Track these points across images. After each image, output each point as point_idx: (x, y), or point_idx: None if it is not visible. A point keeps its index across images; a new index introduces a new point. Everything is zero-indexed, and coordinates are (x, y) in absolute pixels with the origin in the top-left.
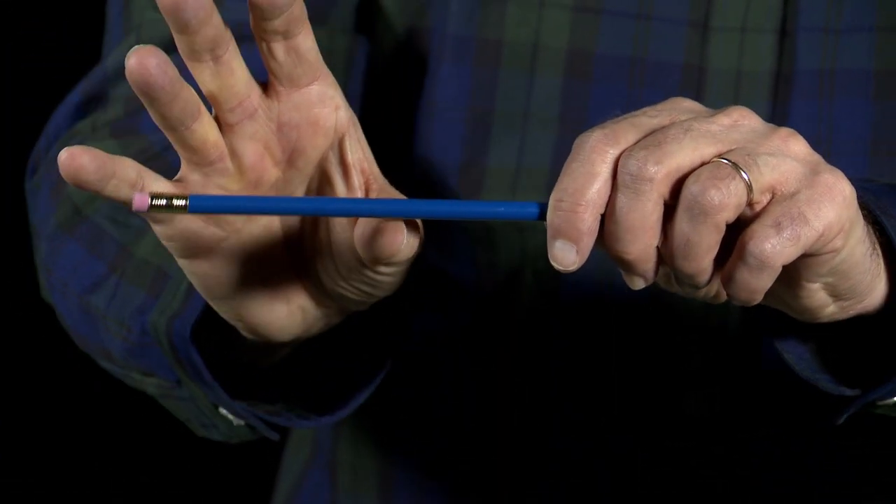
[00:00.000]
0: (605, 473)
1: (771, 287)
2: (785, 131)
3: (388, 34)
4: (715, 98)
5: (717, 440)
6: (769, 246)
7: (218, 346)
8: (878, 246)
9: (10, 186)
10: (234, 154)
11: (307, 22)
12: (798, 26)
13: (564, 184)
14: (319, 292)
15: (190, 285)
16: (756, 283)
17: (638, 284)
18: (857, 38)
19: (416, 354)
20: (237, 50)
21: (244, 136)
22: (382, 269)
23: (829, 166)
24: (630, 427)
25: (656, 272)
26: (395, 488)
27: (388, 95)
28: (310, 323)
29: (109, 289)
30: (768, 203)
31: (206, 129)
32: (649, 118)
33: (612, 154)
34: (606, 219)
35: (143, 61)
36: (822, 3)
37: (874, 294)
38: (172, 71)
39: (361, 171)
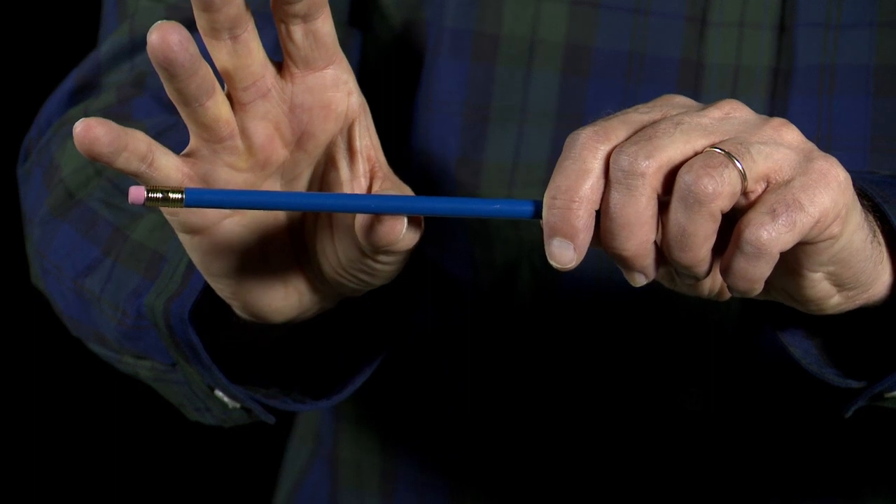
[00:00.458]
0: (605, 469)
1: (774, 279)
2: (777, 121)
3: (384, 27)
4: (713, 93)
5: (717, 436)
6: (765, 233)
7: (213, 329)
8: (879, 234)
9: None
10: (244, 133)
11: (327, 6)
12: (797, 22)
13: (557, 182)
14: (317, 277)
15: (187, 267)
16: (754, 272)
17: (639, 281)
18: (856, 34)
19: (415, 351)
20: (255, 30)
21: (256, 115)
22: (381, 258)
23: (822, 153)
24: (630, 423)
25: (657, 268)
26: (397, 484)
27: (384, 88)
28: (305, 306)
29: (104, 272)
30: (763, 191)
31: (219, 106)
32: (640, 114)
33: (603, 150)
34: (602, 216)
35: (165, 37)
36: None
37: (879, 283)
38: (193, 48)
39: (368, 159)
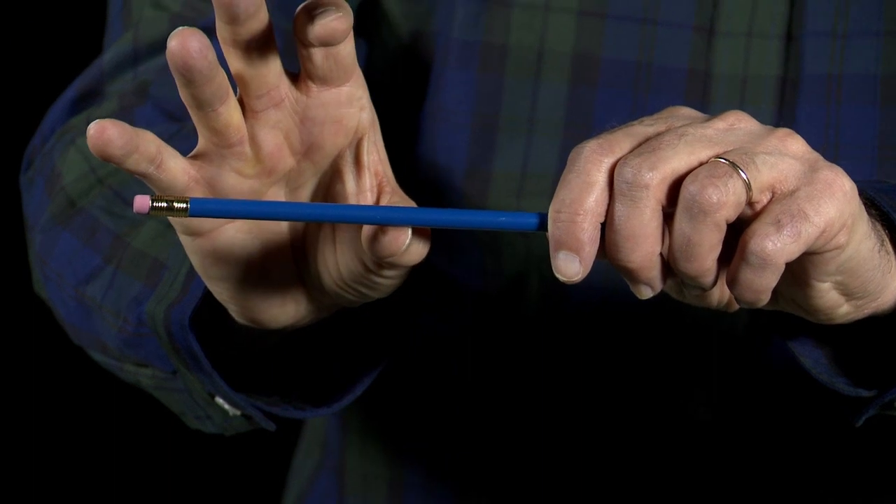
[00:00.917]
0: (614, 479)
1: (782, 290)
2: (782, 131)
3: (392, 38)
4: (721, 103)
5: (726, 445)
6: (770, 244)
7: (213, 336)
8: (888, 243)
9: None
10: (253, 140)
11: (351, 30)
12: (804, 31)
13: (562, 195)
14: (315, 288)
15: (187, 274)
16: (760, 283)
17: (645, 293)
18: (863, 43)
19: (423, 360)
20: (275, 40)
21: (267, 123)
22: (385, 271)
23: (827, 163)
24: (638, 433)
25: (663, 280)
26: (404, 494)
27: (391, 98)
28: (301, 314)
29: (105, 279)
30: (768, 202)
31: (231, 112)
32: (645, 126)
33: (607, 163)
34: (606, 228)
35: (185, 44)
36: (828, 8)
37: (888, 292)
38: (212, 55)
39: (375, 174)
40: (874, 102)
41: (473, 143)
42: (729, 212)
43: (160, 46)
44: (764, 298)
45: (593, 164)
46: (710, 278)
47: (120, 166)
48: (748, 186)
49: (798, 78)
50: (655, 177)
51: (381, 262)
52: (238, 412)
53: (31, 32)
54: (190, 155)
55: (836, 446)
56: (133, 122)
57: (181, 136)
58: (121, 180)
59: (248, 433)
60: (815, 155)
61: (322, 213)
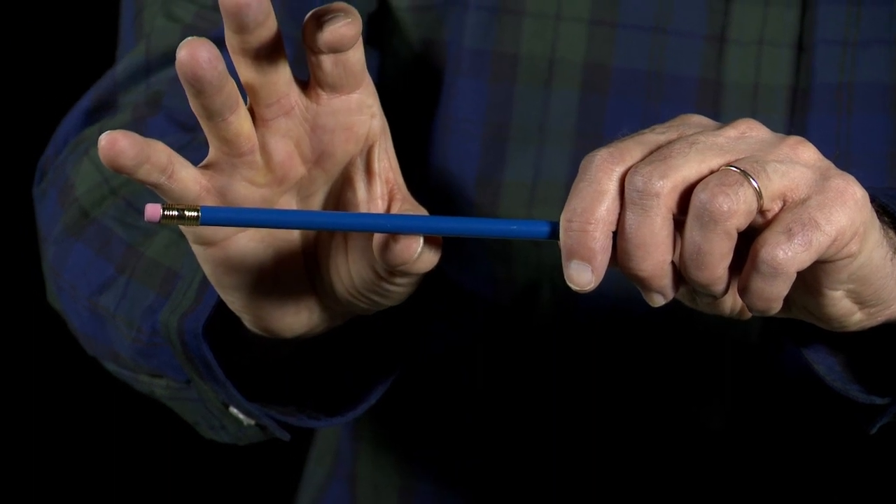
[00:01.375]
0: (625, 487)
1: (795, 298)
2: (793, 139)
3: (403, 47)
4: (732, 112)
5: (739, 454)
6: (781, 253)
7: (227, 346)
8: None
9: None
10: (264, 148)
11: (360, 36)
12: (815, 40)
13: (573, 204)
14: (328, 296)
15: (201, 284)
16: (771, 292)
17: (657, 301)
18: (874, 52)
19: (435, 368)
20: (284, 49)
21: (277, 132)
22: (396, 279)
23: (839, 171)
24: (651, 440)
25: (675, 288)
26: (415, 502)
27: (402, 107)
28: (314, 323)
29: (119, 289)
30: (780, 210)
31: (241, 121)
32: (656, 135)
33: (618, 172)
34: (618, 237)
35: (194, 54)
36: (839, 17)
37: None
38: (221, 65)
39: (386, 181)
40: (885, 111)
41: (484, 152)
42: (740, 220)
43: (172, 57)
44: (775, 307)
45: (604, 173)
46: (721, 286)
47: (131, 177)
48: (759, 195)
49: (809, 87)
50: (666, 185)
51: (392, 271)
52: (252, 422)
53: (44, 43)
54: (201, 165)
55: (848, 454)
56: (145, 133)
57: (193, 147)
58: (133, 191)
59: (259, 441)
60: (827, 163)
61: (333, 221)
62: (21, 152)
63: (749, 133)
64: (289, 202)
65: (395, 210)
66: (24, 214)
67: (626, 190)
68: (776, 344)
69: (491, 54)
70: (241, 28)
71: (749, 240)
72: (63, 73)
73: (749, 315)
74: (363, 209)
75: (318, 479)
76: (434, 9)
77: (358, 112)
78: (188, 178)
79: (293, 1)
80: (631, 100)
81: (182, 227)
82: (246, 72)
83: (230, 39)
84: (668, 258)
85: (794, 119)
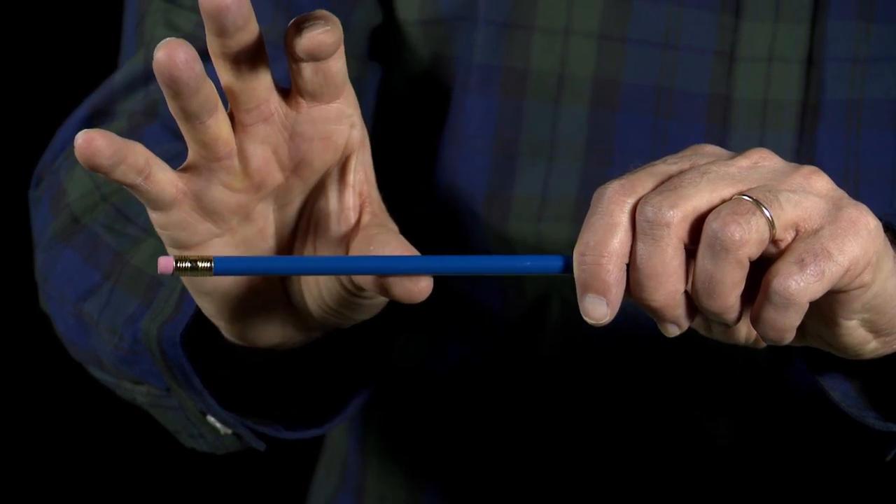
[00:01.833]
0: (631, 500)
1: (810, 327)
2: (807, 169)
3: (411, 62)
4: (741, 128)
5: (747, 470)
6: (793, 283)
7: (206, 355)
8: None
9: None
10: (242, 154)
11: (341, 46)
12: (825, 56)
13: (586, 238)
14: (301, 309)
15: (181, 293)
16: (784, 322)
17: (672, 332)
18: (884, 68)
19: (444, 382)
20: (266, 54)
21: (256, 138)
22: (367, 294)
23: (852, 201)
24: (659, 456)
25: (690, 318)
26: None
27: (411, 122)
28: (289, 335)
29: (103, 296)
30: (792, 240)
31: (219, 125)
32: (668, 165)
33: (629, 203)
34: (630, 267)
35: (171, 55)
36: (849, 33)
37: None
38: (199, 67)
39: (359, 193)
40: (894, 127)
41: (494, 168)
42: (752, 249)
43: None
44: (788, 337)
45: (616, 205)
46: (733, 315)
47: (108, 177)
48: (771, 224)
49: (819, 103)
50: (676, 215)
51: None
52: (229, 431)
53: (46, 48)
54: (179, 168)
55: (855, 468)
56: (141, 141)
57: (187, 156)
58: (124, 198)
59: (268, 450)
60: (840, 192)
61: (349, 266)
62: (23, 155)
63: (762, 162)
64: (266, 210)
65: (364, 222)
66: (24, 218)
67: (637, 221)
68: (785, 359)
69: (500, 70)
70: (221, 31)
71: (763, 268)
72: (67, 77)
73: (764, 344)
74: (334, 220)
75: (328, 490)
76: (443, 24)
77: (337, 122)
78: (165, 181)
79: (292, 11)
80: (640, 115)
81: (158, 231)
82: (226, 76)
83: (210, 42)
84: (681, 288)
85: (803, 135)
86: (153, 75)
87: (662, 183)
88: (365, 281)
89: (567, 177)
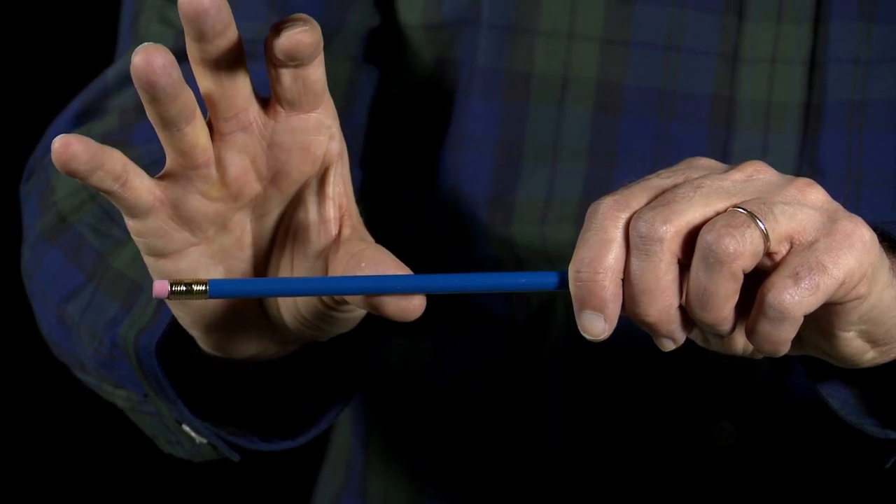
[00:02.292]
0: (632, 502)
1: (807, 337)
2: (802, 181)
3: (414, 66)
4: (745, 130)
5: (747, 472)
6: (787, 297)
7: (183, 364)
8: None
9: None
10: (219, 162)
11: (321, 54)
12: (827, 57)
13: (581, 254)
14: (277, 321)
15: (159, 301)
16: (778, 335)
17: (667, 346)
18: (886, 69)
19: (446, 385)
20: (245, 62)
21: (234, 147)
22: (344, 308)
23: (847, 213)
24: (659, 457)
25: (685, 332)
26: None
27: (414, 125)
28: (264, 346)
29: (85, 299)
30: (787, 253)
31: (197, 133)
32: (662, 179)
33: (623, 218)
34: (624, 283)
35: (149, 60)
36: (851, 34)
37: None
38: (176, 73)
39: (339, 206)
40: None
41: (497, 171)
42: (746, 262)
43: None
44: (783, 349)
45: (610, 221)
46: (727, 327)
47: (84, 182)
48: (766, 237)
49: (822, 104)
50: (669, 230)
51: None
52: (205, 440)
53: (43, 43)
54: (157, 176)
55: (857, 477)
56: (131, 139)
57: None
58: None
59: (211, 459)
60: (835, 205)
61: (343, 286)
62: (18, 149)
63: (756, 175)
64: (243, 220)
65: (344, 236)
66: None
67: (631, 236)
68: (784, 368)
69: (504, 73)
70: (200, 35)
71: (758, 279)
72: (63, 72)
73: (761, 356)
74: (313, 231)
75: (333, 490)
76: (446, 27)
77: (316, 132)
78: (142, 188)
79: (287, 12)
80: (644, 118)
81: (134, 238)
82: (205, 82)
83: (190, 47)
84: (675, 303)
85: (806, 137)
86: None
87: (656, 197)
88: (354, 298)
89: (571, 180)
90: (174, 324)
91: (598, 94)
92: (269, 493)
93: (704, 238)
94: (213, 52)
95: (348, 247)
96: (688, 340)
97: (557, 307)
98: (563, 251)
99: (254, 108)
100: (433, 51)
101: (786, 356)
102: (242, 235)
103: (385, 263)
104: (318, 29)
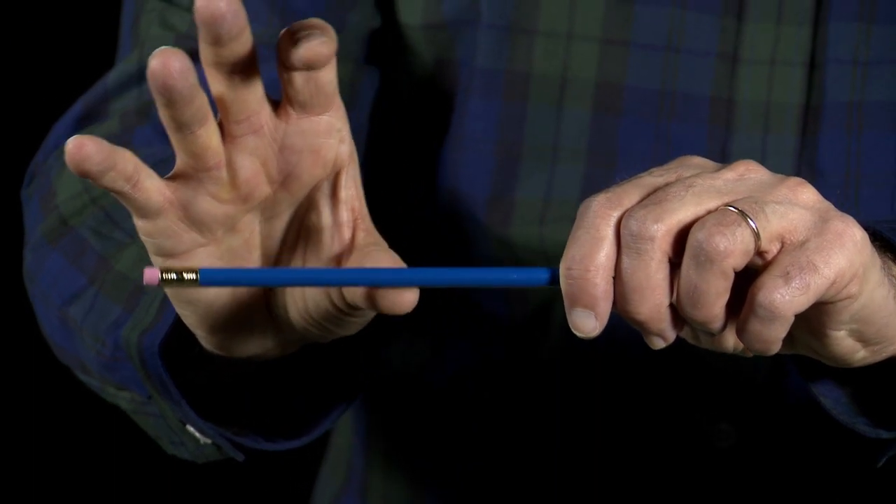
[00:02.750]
0: (629, 500)
1: (798, 337)
2: (793, 180)
3: (414, 66)
4: (744, 130)
5: (746, 473)
6: (778, 296)
7: (187, 364)
8: None
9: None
10: (230, 164)
11: (334, 57)
12: (827, 58)
13: (572, 252)
14: (283, 321)
15: (162, 301)
16: (769, 334)
17: (657, 344)
18: (885, 71)
19: (448, 386)
20: (258, 65)
21: (245, 149)
22: (354, 311)
23: (838, 213)
24: (658, 458)
25: (675, 331)
26: None
27: (414, 126)
28: (268, 346)
29: (87, 301)
30: (778, 252)
31: (209, 135)
32: (654, 178)
33: (615, 216)
34: (615, 281)
35: (166, 64)
36: (850, 35)
37: None
38: (193, 77)
39: (352, 209)
40: (895, 130)
41: (496, 171)
42: (736, 260)
43: None
44: (774, 348)
45: (602, 219)
46: (717, 324)
47: (96, 183)
48: (757, 235)
49: (821, 105)
50: (660, 229)
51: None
52: (209, 441)
53: (44, 45)
54: (167, 176)
55: (855, 478)
56: (132, 142)
57: (175, 161)
58: (113, 201)
59: (215, 460)
60: (827, 205)
61: (333, 278)
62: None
63: (748, 174)
64: (252, 222)
65: (358, 240)
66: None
67: (622, 234)
68: (785, 366)
69: (503, 73)
70: (216, 39)
71: (749, 277)
72: (64, 75)
73: (752, 354)
74: (328, 235)
75: (332, 489)
76: (446, 28)
77: (326, 135)
78: (153, 189)
79: (287, 13)
80: (643, 118)
81: (143, 237)
82: (218, 86)
83: (204, 51)
84: (665, 301)
85: (805, 137)
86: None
87: (648, 196)
88: (356, 297)
89: (570, 180)
90: (176, 324)
91: (598, 94)
92: (269, 493)
93: (695, 236)
94: (227, 55)
95: (361, 251)
96: (679, 339)
97: (557, 307)
98: (561, 251)
99: (265, 111)
100: (433, 51)
101: (781, 357)
102: (251, 237)
103: (382, 261)
104: (335, 37)
